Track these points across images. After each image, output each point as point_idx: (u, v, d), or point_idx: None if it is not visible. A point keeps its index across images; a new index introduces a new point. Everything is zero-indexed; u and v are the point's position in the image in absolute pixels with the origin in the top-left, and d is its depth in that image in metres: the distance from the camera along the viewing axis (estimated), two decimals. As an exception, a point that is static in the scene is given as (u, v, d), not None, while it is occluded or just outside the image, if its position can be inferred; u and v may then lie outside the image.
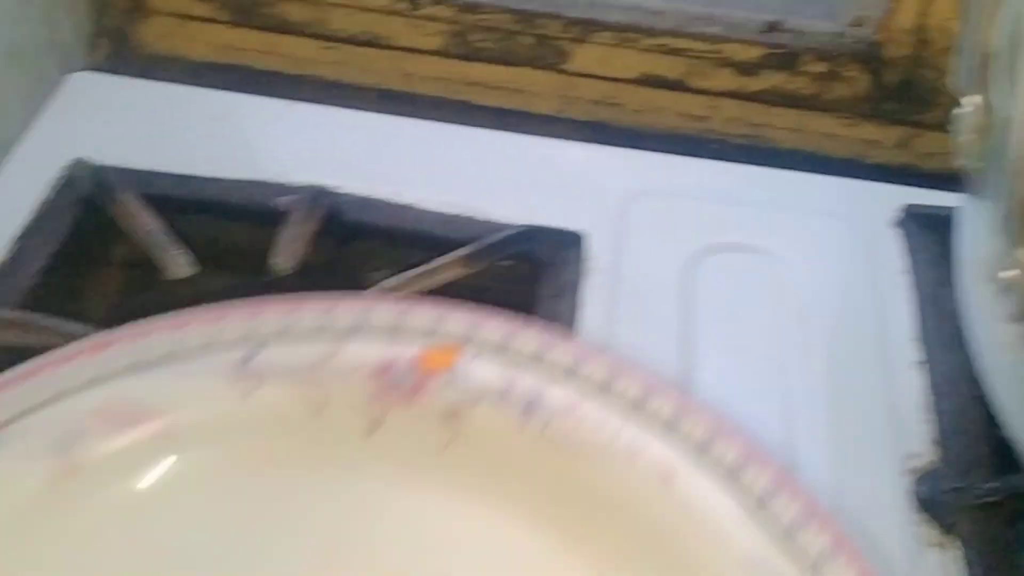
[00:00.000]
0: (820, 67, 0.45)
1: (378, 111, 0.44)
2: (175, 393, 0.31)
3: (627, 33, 0.46)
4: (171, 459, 0.31)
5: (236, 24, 0.49)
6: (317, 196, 0.39)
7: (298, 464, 0.31)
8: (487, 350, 0.32)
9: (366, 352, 0.31)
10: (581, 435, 0.30)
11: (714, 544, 0.29)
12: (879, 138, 0.46)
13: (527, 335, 0.32)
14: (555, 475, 0.30)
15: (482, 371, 0.31)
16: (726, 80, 0.46)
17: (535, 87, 0.48)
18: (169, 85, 0.44)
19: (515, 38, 0.47)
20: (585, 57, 0.47)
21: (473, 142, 0.43)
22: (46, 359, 0.31)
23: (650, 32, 0.45)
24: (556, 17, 0.46)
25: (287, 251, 0.37)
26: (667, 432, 0.30)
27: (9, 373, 0.31)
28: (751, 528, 0.28)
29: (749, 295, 0.37)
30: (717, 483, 0.29)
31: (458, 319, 0.32)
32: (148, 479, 0.30)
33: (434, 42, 0.48)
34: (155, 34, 0.49)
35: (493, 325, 0.32)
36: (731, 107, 0.46)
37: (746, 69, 0.46)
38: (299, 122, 0.43)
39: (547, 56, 0.47)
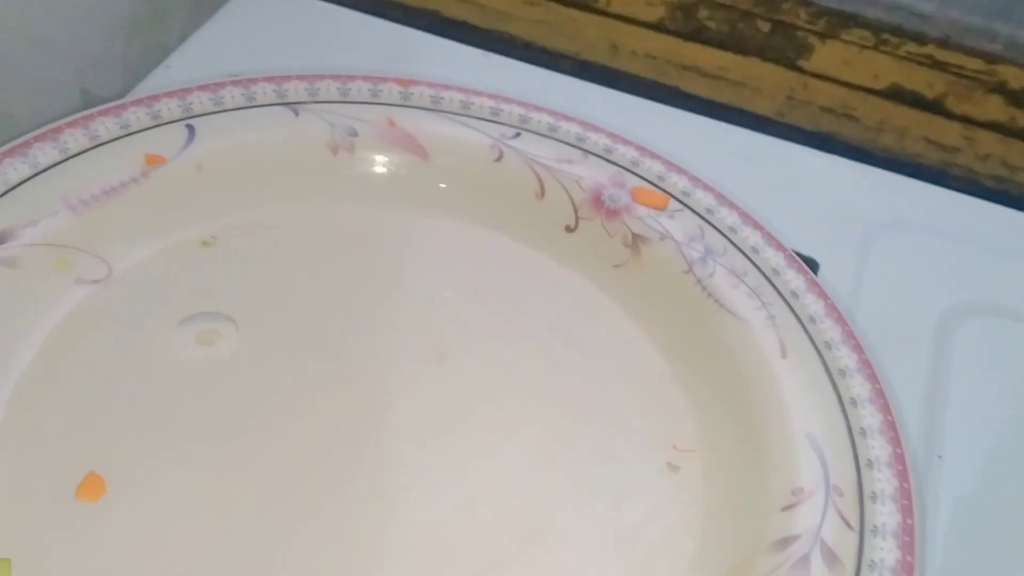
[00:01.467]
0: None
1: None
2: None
3: (886, 35, 0.39)
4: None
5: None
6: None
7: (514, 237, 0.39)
8: (693, 210, 0.38)
9: (596, 169, 0.39)
10: (732, 301, 0.35)
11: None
12: None
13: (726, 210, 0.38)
14: (693, 318, 0.36)
15: (681, 221, 0.37)
16: (993, 109, 0.39)
17: (760, 82, 0.42)
18: (348, 11, 0.45)
19: (749, 21, 0.42)
20: (828, 56, 0.41)
21: (682, 126, 0.40)
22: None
23: (915, 37, 0.39)
24: (805, 3, 0.40)
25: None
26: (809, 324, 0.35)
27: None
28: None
29: (1009, 368, 0.35)
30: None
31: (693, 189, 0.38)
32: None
33: (654, 13, 0.43)
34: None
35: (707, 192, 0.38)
36: (990, 141, 0.40)
37: (1020, 99, 0.39)
38: (487, 72, 0.42)
39: (783, 48, 0.41)
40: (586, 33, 0.50)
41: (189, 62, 0.48)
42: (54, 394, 0.33)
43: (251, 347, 0.35)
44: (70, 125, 0.38)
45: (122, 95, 0.51)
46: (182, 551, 0.30)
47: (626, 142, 0.41)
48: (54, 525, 0.30)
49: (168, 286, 0.36)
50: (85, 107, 0.49)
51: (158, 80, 0.48)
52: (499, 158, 0.40)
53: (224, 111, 0.39)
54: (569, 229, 0.39)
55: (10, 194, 0.35)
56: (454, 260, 0.39)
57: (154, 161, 0.38)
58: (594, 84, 0.46)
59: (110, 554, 0.29)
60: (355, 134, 0.40)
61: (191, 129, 0.39)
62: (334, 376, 0.35)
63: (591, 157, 0.40)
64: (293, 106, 0.40)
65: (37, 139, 0.37)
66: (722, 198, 0.39)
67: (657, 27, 0.46)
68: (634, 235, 0.38)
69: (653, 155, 0.40)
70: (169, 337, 0.35)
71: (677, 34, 0.44)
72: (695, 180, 0.39)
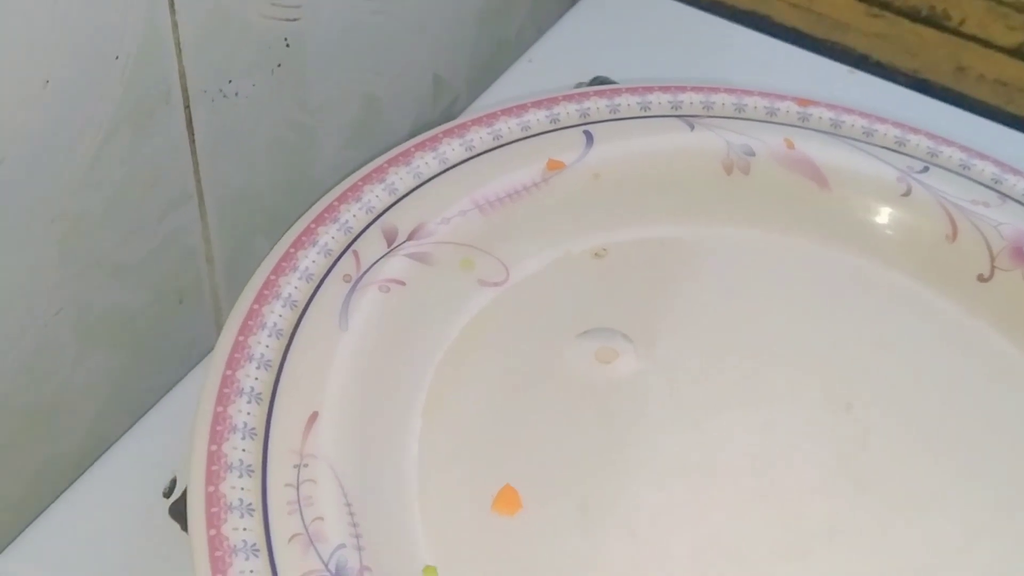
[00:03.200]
0: None
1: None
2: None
3: None
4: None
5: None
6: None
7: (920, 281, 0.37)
8: None
9: (1017, 216, 0.36)
10: None
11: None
12: None
13: None
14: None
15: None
16: None
17: None
18: (689, 8, 0.46)
19: None
20: None
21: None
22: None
23: None
24: None
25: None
26: None
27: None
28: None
29: None
30: None
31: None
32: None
33: (1013, 38, 0.42)
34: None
35: None
36: None
37: None
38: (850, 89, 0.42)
39: None
40: (930, 51, 0.47)
41: (549, 58, 0.48)
42: (464, 397, 0.32)
43: (648, 369, 0.34)
44: (475, 123, 0.37)
45: (469, 83, 0.51)
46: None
47: (1049, 189, 0.37)
48: (474, 536, 0.30)
49: (564, 297, 0.36)
50: (437, 93, 0.49)
51: (521, 75, 0.48)
52: (907, 193, 0.38)
53: (620, 119, 0.39)
54: (982, 279, 0.36)
55: (423, 188, 0.35)
56: (853, 299, 0.37)
57: (555, 167, 0.37)
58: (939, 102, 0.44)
59: (528, 572, 0.29)
60: (751, 153, 0.38)
61: (589, 136, 0.38)
62: (733, 410, 0.33)
63: (1009, 201, 0.37)
64: (688, 119, 0.39)
65: (446, 134, 0.37)
66: None
67: (1014, 53, 0.42)
68: (1063, 296, 0.35)
69: (1081, 207, 0.37)
70: (569, 351, 0.34)
71: (1034, 63, 0.41)
72: None
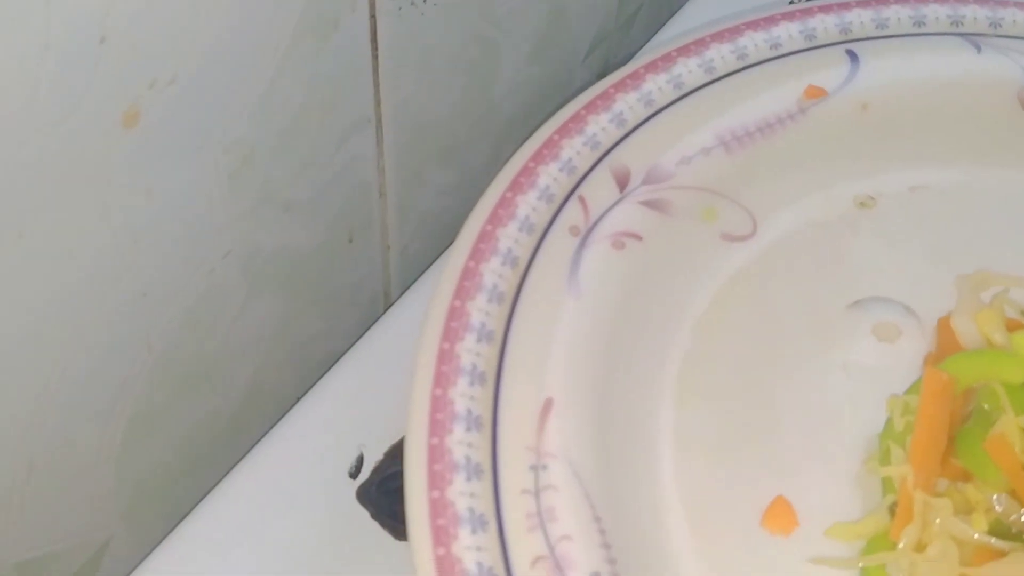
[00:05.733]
0: None
1: None
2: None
3: None
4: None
5: None
6: None
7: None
8: None
9: None
10: None
11: None
12: None
13: None
14: None
15: None
16: None
17: None
18: None
19: None
20: None
21: None
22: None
23: None
24: None
25: None
26: None
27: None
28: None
29: None
30: None
31: None
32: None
33: None
34: None
35: None
36: None
37: None
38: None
39: None
40: None
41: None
42: (719, 382, 0.27)
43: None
44: (714, 39, 0.31)
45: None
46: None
47: None
48: (743, 560, 0.24)
49: (825, 257, 0.29)
50: (622, 2, 0.42)
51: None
52: None
53: (889, 36, 0.31)
54: None
55: (656, 119, 0.29)
56: None
57: (814, 95, 0.30)
58: None
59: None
60: (1054, 84, 0.31)
61: (853, 57, 0.31)
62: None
63: None
64: (972, 38, 0.32)
65: (680, 52, 0.30)
66: None
67: None
68: None
69: None
70: (840, 324, 0.28)
71: None
72: None
